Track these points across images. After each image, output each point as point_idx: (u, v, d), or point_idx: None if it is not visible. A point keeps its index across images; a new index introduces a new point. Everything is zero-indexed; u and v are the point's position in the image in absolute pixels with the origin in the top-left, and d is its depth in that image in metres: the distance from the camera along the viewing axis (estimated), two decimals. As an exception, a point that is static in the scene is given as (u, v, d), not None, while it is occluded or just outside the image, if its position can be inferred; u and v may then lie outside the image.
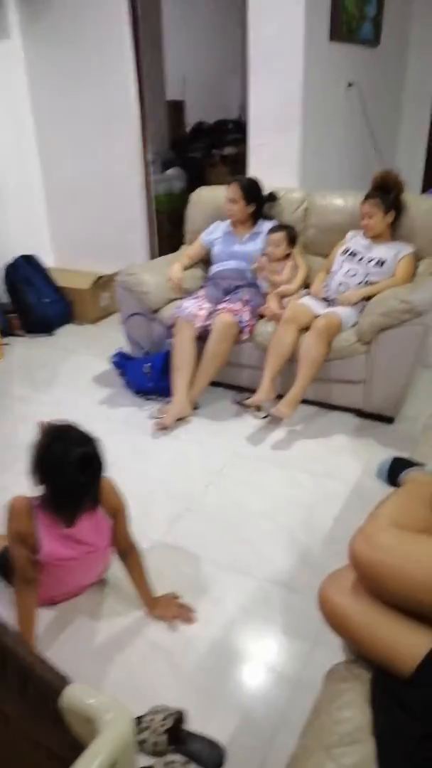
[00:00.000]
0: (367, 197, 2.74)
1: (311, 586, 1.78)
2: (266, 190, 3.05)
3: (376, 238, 2.76)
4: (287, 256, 2.97)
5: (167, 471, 2.42)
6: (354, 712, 1.03)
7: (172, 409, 2.74)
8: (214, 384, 2.95)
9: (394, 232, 2.80)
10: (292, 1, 2.89)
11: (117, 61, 3.63)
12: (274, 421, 2.71)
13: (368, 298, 2.64)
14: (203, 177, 5.31)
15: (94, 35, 3.61)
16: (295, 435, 2.64)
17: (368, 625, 1.09)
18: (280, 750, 1.37)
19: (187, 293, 3.05)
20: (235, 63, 5.63)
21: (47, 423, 1.50)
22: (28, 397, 3.08)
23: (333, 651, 1.32)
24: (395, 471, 1.49)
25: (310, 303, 2.76)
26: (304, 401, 2.73)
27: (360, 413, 2.73)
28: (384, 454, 1.62)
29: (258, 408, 2.80)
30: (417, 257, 2.77)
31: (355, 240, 2.83)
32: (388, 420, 2.68)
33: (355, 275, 2.73)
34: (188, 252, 3.21)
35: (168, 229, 4.78)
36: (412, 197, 2.84)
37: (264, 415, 2.77)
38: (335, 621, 1.13)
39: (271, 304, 2.86)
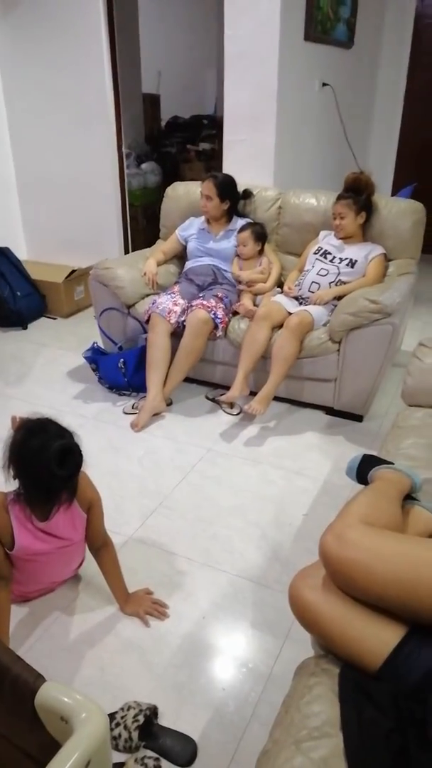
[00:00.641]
0: (340, 198, 2.78)
1: (282, 582, 1.83)
2: (241, 187, 3.07)
3: (348, 238, 2.81)
4: (260, 252, 3.00)
5: (140, 467, 2.43)
6: (323, 706, 1.05)
7: (145, 404, 2.74)
8: (188, 380, 2.96)
9: (365, 233, 2.85)
10: (268, 0, 2.90)
11: (92, 53, 3.59)
12: (247, 417, 2.74)
13: (339, 298, 2.68)
14: (178, 172, 5.30)
15: (68, 27, 3.56)
16: (267, 432, 2.67)
17: (338, 620, 1.11)
18: (251, 744, 1.39)
19: (161, 289, 3.05)
20: (211, 59, 5.62)
21: (22, 417, 1.49)
22: (0, 391, 3.05)
23: (304, 646, 1.35)
24: (365, 469, 1.52)
25: (283, 301, 2.79)
26: (277, 398, 2.76)
27: (330, 411, 2.78)
28: (353, 452, 1.65)
29: (231, 404, 2.82)
30: (387, 258, 2.82)
31: (327, 240, 2.87)
32: (358, 418, 2.73)
33: (327, 275, 2.77)
34: (163, 247, 3.21)
35: (143, 224, 4.77)
36: (383, 199, 2.89)
37: (237, 411, 2.80)
38: (305, 617, 1.16)
39: (245, 302, 2.88)
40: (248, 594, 1.82)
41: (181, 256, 3.24)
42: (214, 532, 2.07)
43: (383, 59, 4.71)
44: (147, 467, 2.43)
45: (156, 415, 2.76)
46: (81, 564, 1.83)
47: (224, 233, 3.04)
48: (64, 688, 0.80)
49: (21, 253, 4.20)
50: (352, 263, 2.75)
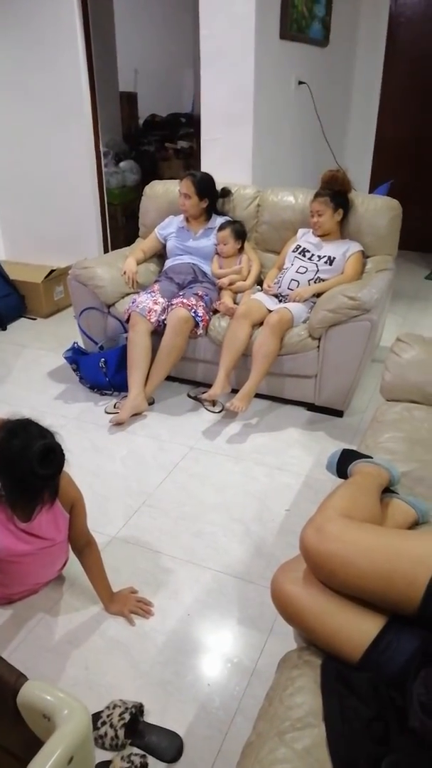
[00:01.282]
0: (317, 196, 2.80)
1: (265, 577, 1.84)
2: (220, 185, 3.07)
3: (326, 236, 2.83)
4: (240, 250, 3.01)
5: (123, 466, 2.43)
6: (305, 697, 1.07)
7: (127, 404, 2.73)
8: (170, 379, 2.96)
9: (342, 230, 2.88)
10: (243, -2, 2.91)
11: (67, 51, 3.57)
12: (229, 415, 2.75)
13: (319, 295, 2.70)
14: (157, 170, 5.29)
15: (43, 26, 3.54)
16: (249, 429, 2.68)
17: (319, 613, 1.13)
18: (236, 738, 1.41)
19: (141, 288, 3.04)
20: (188, 57, 5.61)
21: (2, 418, 1.48)
22: (-21, 394, 3.02)
23: (287, 640, 1.36)
24: (344, 463, 1.55)
25: (263, 299, 2.81)
26: (258, 395, 2.77)
27: (311, 407, 2.80)
28: (334, 447, 1.67)
29: (213, 402, 2.83)
30: (365, 255, 2.85)
31: (305, 237, 2.90)
32: (339, 413, 2.76)
33: (305, 272, 2.79)
34: (143, 246, 3.20)
35: (122, 222, 4.76)
36: (360, 196, 2.92)
37: (219, 409, 2.81)
38: (287, 610, 1.17)
39: (225, 300, 2.89)
40: (232, 590, 1.84)
41: (161, 255, 3.24)
42: (197, 530, 2.08)
43: (359, 57, 4.75)
44: (130, 466, 2.43)
45: (138, 414, 2.76)
46: (64, 564, 1.83)
47: (203, 231, 3.04)
48: (45, 686, 0.81)
49: (-1, 254, 4.17)
50: (330, 260, 2.78)
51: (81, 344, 3.12)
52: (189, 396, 2.95)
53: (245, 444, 2.58)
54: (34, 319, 3.98)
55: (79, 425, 2.72)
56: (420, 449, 1.68)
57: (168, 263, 3.12)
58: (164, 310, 2.82)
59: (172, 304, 2.81)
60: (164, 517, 2.14)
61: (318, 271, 2.78)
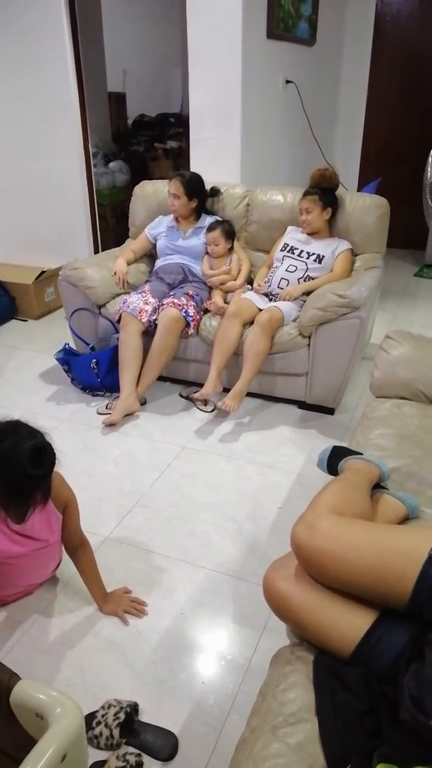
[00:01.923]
0: (306, 194, 2.81)
1: (259, 575, 1.84)
2: (209, 185, 3.08)
3: (314, 234, 2.84)
4: (230, 250, 3.02)
5: (116, 467, 2.43)
6: (298, 693, 1.08)
7: (119, 404, 2.74)
8: (162, 378, 2.97)
9: (331, 228, 2.89)
10: (230, -2, 2.92)
11: (55, 52, 3.56)
12: (221, 414, 2.76)
13: (308, 293, 2.71)
14: (146, 170, 5.29)
15: (30, 26, 3.53)
16: (241, 427, 2.69)
17: (311, 609, 1.14)
18: (231, 735, 1.41)
19: (132, 288, 3.05)
20: (176, 57, 5.62)
21: None
22: (-30, 396, 3.01)
23: (281, 636, 1.37)
24: (335, 460, 1.56)
25: (253, 298, 2.81)
26: (250, 394, 2.78)
27: (303, 405, 2.81)
28: (325, 444, 1.68)
29: (205, 402, 2.84)
30: (354, 253, 2.86)
31: (294, 236, 2.91)
32: (330, 411, 2.77)
33: (295, 271, 2.80)
34: (133, 246, 3.20)
35: (112, 223, 4.75)
36: (348, 195, 2.94)
37: (211, 408, 2.82)
38: (279, 606, 1.18)
39: (216, 299, 2.89)
40: (226, 588, 1.85)
41: (151, 255, 3.24)
42: (191, 529, 2.09)
43: (345, 56, 4.78)
44: (122, 467, 2.43)
45: (130, 414, 2.76)
46: (58, 566, 1.83)
47: (193, 231, 3.05)
48: (38, 685, 0.81)
49: (-12, 256, 4.15)
50: (319, 259, 2.79)
51: (72, 345, 3.12)
52: (181, 396, 2.95)
53: (237, 443, 2.59)
54: (25, 320, 3.98)
55: (71, 426, 2.72)
56: (409, 445, 1.69)
57: (158, 263, 3.13)
58: (155, 310, 2.82)
59: (162, 304, 2.82)
60: (157, 517, 2.15)
61: (307, 269, 2.79)
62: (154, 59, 6.05)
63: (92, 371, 2.90)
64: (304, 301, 2.69)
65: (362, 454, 1.55)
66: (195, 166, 3.34)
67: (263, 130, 3.48)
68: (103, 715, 1.42)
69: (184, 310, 2.77)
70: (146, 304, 2.82)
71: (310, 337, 2.60)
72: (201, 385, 2.74)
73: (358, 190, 4.55)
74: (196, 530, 2.08)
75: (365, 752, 0.94)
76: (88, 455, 2.50)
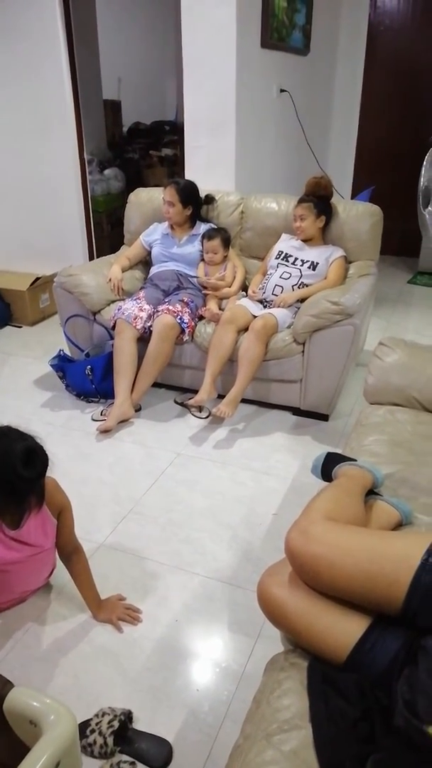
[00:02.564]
0: (300, 201, 2.83)
1: (253, 581, 1.85)
2: (204, 192, 3.09)
3: (309, 241, 2.86)
4: (224, 258, 3.03)
5: (110, 473, 2.43)
6: (292, 699, 1.08)
7: (114, 411, 2.74)
8: (156, 385, 2.97)
9: (325, 236, 2.91)
10: (224, 7, 2.94)
11: (50, 60, 3.58)
12: (216, 420, 2.76)
13: (302, 300, 2.72)
14: (141, 178, 5.31)
15: (26, 35, 3.55)
16: (235, 434, 2.70)
17: (304, 615, 1.14)
18: (226, 742, 1.41)
19: (127, 295, 3.05)
20: (170, 65, 5.65)
21: None
22: (-36, 403, 3.00)
23: (275, 643, 1.37)
24: (329, 466, 1.56)
25: (247, 304, 2.83)
26: (244, 400, 2.79)
27: (297, 411, 2.82)
28: (319, 451, 1.68)
29: (200, 408, 2.84)
30: (347, 260, 2.88)
31: (288, 243, 2.92)
32: (324, 417, 2.78)
33: (289, 278, 2.82)
34: (128, 253, 3.21)
35: (107, 230, 4.76)
36: (342, 203, 2.96)
37: (206, 414, 2.82)
38: (273, 613, 1.18)
39: (211, 306, 2.90)
40: (220, 595, 1.84)
41: (146, 262, 3.25)
42: (185, 535, 2.09)
43: (339, 65, 4.82)
44: (117, 473, 2.43)
45: (124, 421, 2.76)
46: (52, 572, 1.82)
47: (188, 238, 3.06)
48: (32, 692, 0.81)
49: (-17, 262, 4.15)
50: (313, 266, 2.80)
51: (67, 352, 3.12)
52: (176, 402, 2.95)
53: (232, 449, 2.59)
54: (20, 326, 3.97)
55: (65, 433, 2.72)
56: (403, 451, 1.70)
57: (153, 270, 3.13)
58: (150, 317, 2.83)
59: (157, 311, 2.82)
60: (152, 524, 2.14)
61: (302, 276, 2.80)
62: (149, 67, 6.09)
63: (87, 378, 2.90)
64: (299, 308, 2.71)
65: (356, 460, 1.56)
66: (190, 173, 3.35)
67: (258, 138, 3.51)
68: (97, 723, 1.41)
69: (179, 317, 2.77)
70: (141, 310, 2.82)
71: (304, 344, 2.61)
72: (196, 392, 2.75)
73: (352, 198, 4.59)
74: (191, 537, 2.08)
75: (359, 759, 0.94)
76: (82, 462, 2.50)
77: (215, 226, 3.07)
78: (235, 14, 2.94)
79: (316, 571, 1.13)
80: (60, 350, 3.09)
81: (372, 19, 4.74)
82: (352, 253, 2.90)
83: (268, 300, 2.85)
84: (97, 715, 1.43)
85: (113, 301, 3.02)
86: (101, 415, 2.82)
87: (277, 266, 2.87)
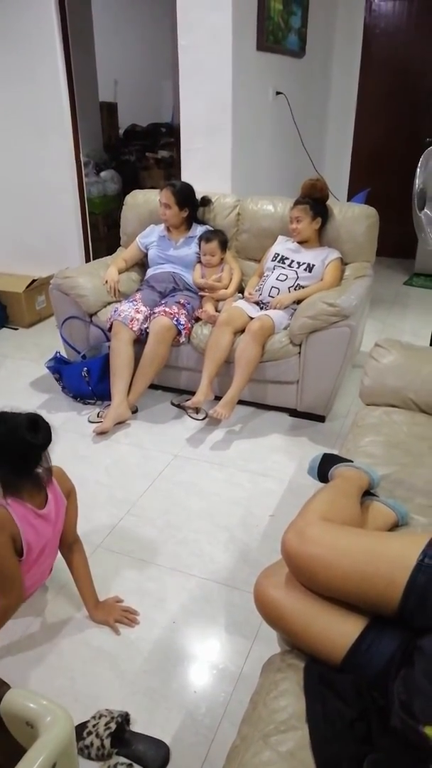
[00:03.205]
0: (297, 203, 2.84)
1: (250, 582, 1.83)
2: (200, 195, 3.10)
3: (305, 243, 2.87)
4: (221, 260, 3.04)
5: (107, 475, 2.43)
6: (289, 700, 1.08)
7: (110, 413, 2.74)
8: (153, 387, 2.97)
9: (321, 237, 2.92)
10: (219, 10, 2.95)
11: (46, 62, 3.58)
12: (213, 422, 2.76)
13: (299, 302, 2.73)
14: (138, 179, 5.31)
15: (22, 38, 3.55)
16: (232, 435, 2.70)
17: (301, 616, 1.14)
18: (223, 744, 1.41)
19: (123, 296, 3.05)
20: (167, 67, 5.65)
21: None
22: (-40, 405, 2.99)
23: (272, 644, 1.37)
24: (325, 467, 1.57)
25: (244, 306, 2.83)
26: (241, 402, 2.79)
27: (294, 413, 2.83)
28: (316, 452, 1.69)
29: (197, 410, 2.84)
30: (343, 262, 2.89)
31: (284, 245, 2.93)
32: (321, 419, 2.79)
33: (286, 280, 2.82)
34: (124, 255, 3.21)
35: (104, 232, 4.77)
36: (338, 204, 2.97)
37: (202, 416, 2.82)
38: (270, 614, 1.19)
39: (207, 308, 2.91)
40: (217, 596, 1.84)
41: (142, 264, 3.25)
42: (182, 537, 2.09)
43: (335, 68, 4.84)
44: (114, 475, 2.43)
45: (121, 423, 2.76)
46: (50, 571, 1.81)
47: (184, 240, 3.06)
48: (28, 693, 0.81)
49: (-21, 264, 4.15)
50: (309, 268, 2.81)
51: (63, 354, 3.12)
52: (172, 404, 2.95)
53: (229, 451, 2.59)
54: (16, 329, 3.97)
55: (62, 435, 2.71)
56: (399, 452, 1.71)
57: (149, 272, 3.14)
58: (146, 319, 2.83)
59: (154, 313, 2.83)
60: (149, 526, 2.14)
61: (298, 278, 2.81)
62: (145, 69, 6.10)
63: (83, 379, 2.90)
64: (295, 310, 2.71)
65: (352, 461, 1.56)
66: (186, 175, 3.36)
67: (254, 140, 3.52)
68: (94, 725, 1.41)
69: (175, 319, 2.78)
70: (137, 312, 2.83)
71: (300, 346, 2.62)
72: (192, 393, 2.75)
73: (348, 200, 4.60)
74: (188, 538, 2.08)
75: (356, 759, 0.94)
76: (79, 464, 2.50)
77: (212, 228, 3.08)
78: (230, 17, 2.95)
79: (312, 572, 1.13)
80: (56, 352, 3.09)
81: (367, 22, 4.76)
82: (348, 255, 2.91)
83: (264, 302, 2.86)
84: (94, 717, 1.43)
85: (110, 303, 3.02)
86: (98, 417, 2.82)
87: (274, 268, 2.88)
